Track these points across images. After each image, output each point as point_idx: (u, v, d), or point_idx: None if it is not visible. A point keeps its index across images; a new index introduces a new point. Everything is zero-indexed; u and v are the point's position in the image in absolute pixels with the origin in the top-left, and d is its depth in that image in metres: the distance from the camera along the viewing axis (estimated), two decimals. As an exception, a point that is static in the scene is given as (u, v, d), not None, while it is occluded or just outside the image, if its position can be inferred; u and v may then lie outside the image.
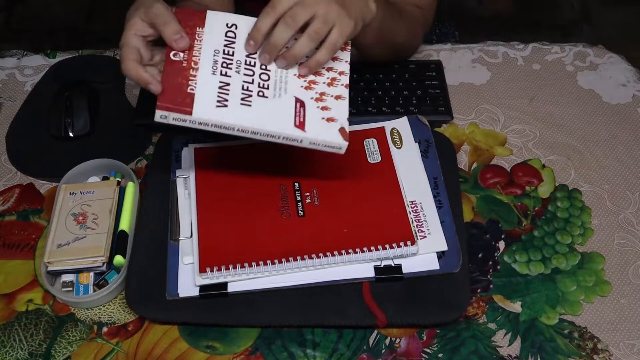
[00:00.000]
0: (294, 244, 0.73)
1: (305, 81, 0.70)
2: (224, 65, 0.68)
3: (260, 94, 0.68)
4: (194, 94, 0.66)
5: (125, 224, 0.79)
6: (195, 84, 0.66)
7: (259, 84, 0.69)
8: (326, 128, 0.68)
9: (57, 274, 0.76)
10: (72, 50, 1.04)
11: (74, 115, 0.89)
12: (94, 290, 0.75)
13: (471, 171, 0.87)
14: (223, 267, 0.71)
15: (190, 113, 0.65)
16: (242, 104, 0.67)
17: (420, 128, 0.86)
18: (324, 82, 0.71)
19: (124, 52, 0.67)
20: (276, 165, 0.80)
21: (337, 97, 0.70)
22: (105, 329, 0.74)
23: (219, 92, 0.67)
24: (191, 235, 0.76)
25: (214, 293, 0.72)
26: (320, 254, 0.72)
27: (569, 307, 0.75)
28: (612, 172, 0.87)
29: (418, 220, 0.76)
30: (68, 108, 0.90)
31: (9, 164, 0.89)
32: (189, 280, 0.73)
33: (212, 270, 0.71)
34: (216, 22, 0.71)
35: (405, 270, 0.73)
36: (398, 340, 0.72)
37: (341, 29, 0.68)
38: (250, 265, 0.71)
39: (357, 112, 0.91)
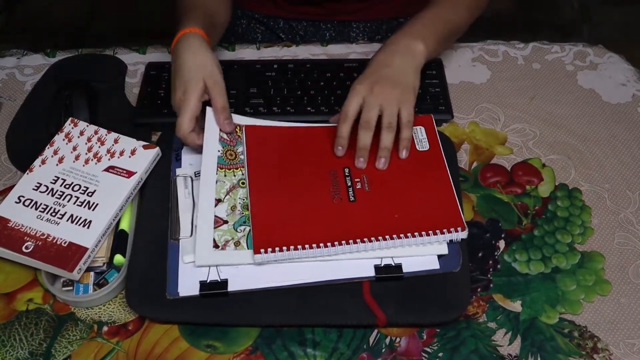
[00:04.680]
0: (347, 228, 0.74)
1: None
2: None
3: None
4: None
5: (125, 223, 0.79)
6: None
7: None
8: None
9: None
10: (72, 49, 1.04)
11: (74, 114, 0.89)
12: (94, 290, 0.75)
13: (471, 170, 0.87)
14: (277, 249, 0.71)
15: None
16: None
17: (420, 127, 0.86)
18: None
19: (184, 126, 0.78)
20: (326, 152, 0.82)
21: None
22: (105, 328, 0.74)
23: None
24: (191, 235, 0.76)
25: (214, 292, 0.72)
26: (373, 238, 0.72)
27: (569, 307, 0.75)
28: (612, 172, 0.87)
29: None
30: (68, 107, 0.90)
31: (9, 163, 0.89)
32: (189, 280, 0.73)
33: (266, 252, 0.71)
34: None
35: (405, 269, 0.73)
36: (398, 339, 0.72)
37: (406, 106, 0.79)
38: (304, 248, 0.72)
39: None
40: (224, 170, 0.80)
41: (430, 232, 0.73)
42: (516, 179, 0.86)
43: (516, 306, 0.75)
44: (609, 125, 0.92)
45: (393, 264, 0.73)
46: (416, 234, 0.73)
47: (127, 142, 0.85)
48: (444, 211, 0.75)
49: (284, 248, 0.72)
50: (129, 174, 0.81)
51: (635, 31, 2.04)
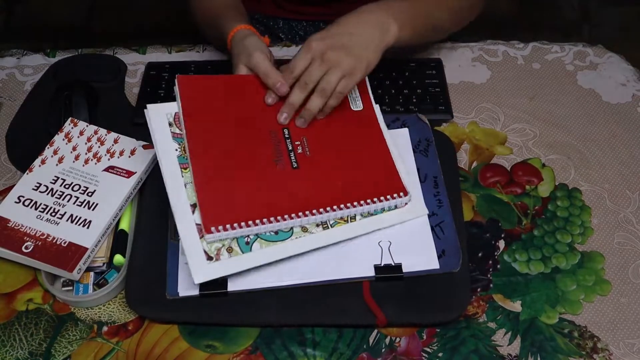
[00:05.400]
0: (295, 199, 0.73)
1: None
2: None
3: None
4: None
5: (125, 223, 0.79)
6: None
7: None
8: None
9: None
10: (72, 49, 1.04)
11: (74, 114, 0.89)
12: (94, 290, 0.75)
13: (471, 170, 0.87)
14: (229, 226, 0.69)
15: None
16: None
17: (420, 127, 0.86)
18: None
19: (262, 63, 0.78)
20: (265, 108, 0.79)
21: None
22: (105, 329, 0.74)
23: None
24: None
25: (214, 292, 0.72)
26: (321, 209, 0.72)
27: (569, 307, 0.75)
28: (612, 172, 0.87)
29: None
30: (67, 107, 0.90)
31: (9, 163, 0.89)
32: (189, 280, 0.73)
33: (217, 230, 0.69)
34: None
35: (405, 269, 0.73)
36: (398, 339, 0.72)
37: (349, 78, 0.77)
38: (255, 224, 0.70)
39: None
40: (187, 169, 0.73)
41: (375, 199, 0.74)
42: (516, 179, 0.86)
43: (516, 306, 0.75)
44: (609, 125, 0.92)
45: (393, 264, 0.73)
46: (362, 202, 0.73)
47: (127, 142, 0.85)
48: (384, 176, 0.76)
49: (236, 225, 0.69)
50: (129, 174, 0.81)
51: (635, 31, 2.04)
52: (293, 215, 0.71)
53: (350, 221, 0.74)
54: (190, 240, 0.69)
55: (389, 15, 0.80)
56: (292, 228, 0.72)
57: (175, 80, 0.77)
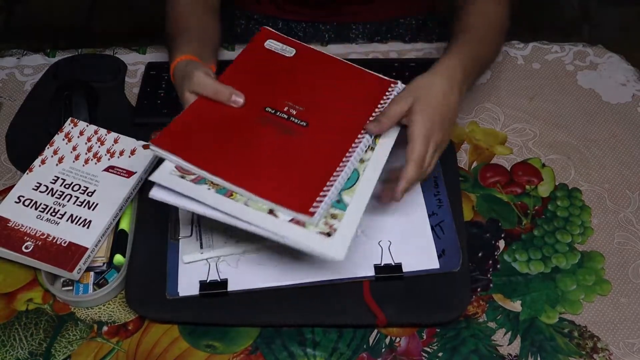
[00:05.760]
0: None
1: None
2: None
3: None
4: None
5: (125, 223, 0.79)
6: None
7: None
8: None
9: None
10: (72, 49, 1.04)
11: (74, 114, 0.89)
12: (94, 290, 0.75)
13: (471, 170, 0.87)
14: (319, 198, 0.66)
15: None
16: None
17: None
18: None
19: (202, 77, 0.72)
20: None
21: None
22: (105, 328, 0.74)
23: None
24: (191, 234, 0.76)
25: (214, 292, 0.72)
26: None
27: (569, 306, 0.75)
28: (611, 172, 0.87)
29: None
30: (67, 107, 0.90)
31: (9, 163, 0.89)
32: (189, 280, 0.73)
33: (317, 207, 0.65)
34: None
35: (405, 269, 0.73)
36: (398, 339, 0.72)
37: (440, 152, 0.75)
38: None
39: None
40: (234, 194, 0.67)
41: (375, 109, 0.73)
42: (516, 178, 0.86)
43: (516, 306, 0.75)
44: (609, 125, 0.92)
45: (393, 264, 0.73)
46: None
47: (127, 142, 0.85)
48: (369, 86, 0.76)
49: (323, 193, 0.66)
50: (129, 173, 0.81)
51: (635, 31, 2.04)
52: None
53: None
54: (305, 238, 0.64)
55: (464, 79, 0.78)
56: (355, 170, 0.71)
57: (153, 148, 0.68)
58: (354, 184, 0.70)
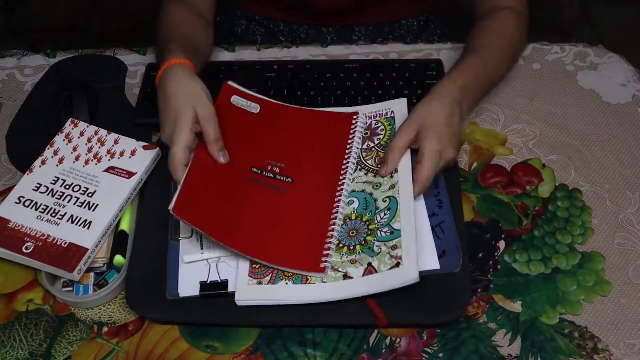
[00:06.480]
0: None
1: None
2: None
3: None
4: None
5: (125, 223, 0.79)
6: None
7: None
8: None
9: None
10: (72, 50, 1.04)
11: (74, 114, 0.89)
12: (94, 290, 0.75)
13: (471, 171, 0.87)
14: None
15: None
16: None
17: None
18: None
19: (177, 156, 0.73)
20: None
21: None
22: (105, 329, 0.74)
23: None
24: (191, 235, 0.76)
25: (214, 292, 0.72)
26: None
27: (569, 307, 0.75)
28: (612, 172, 0.87)
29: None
30: (68, 107, 0.90)
31: (9, 164, 0.89)
32: (189, 280, 0.73)
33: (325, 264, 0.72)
34: None
35: (405, 269, 0.73)
36: (398, 339, 0.72)
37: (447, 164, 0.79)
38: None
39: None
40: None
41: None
42: (516, 179, 0.86)
43: (516, 306, 0.75)
44: (609, 126, 0.92)
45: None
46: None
47: (127, 143, 0.85)
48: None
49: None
50: (129, 174, 0.81)
51: (635, 31, 2.04)
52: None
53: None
54: (384, 281, 0.70)
55: (468, 103, 0.84)
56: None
57: (175, 216, 0.72)
58: (396, 208, 0.75)
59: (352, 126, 0.83)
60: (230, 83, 0.85)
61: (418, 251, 0.71)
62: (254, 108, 0.84)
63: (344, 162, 0.80)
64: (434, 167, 0.76)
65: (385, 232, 0.74)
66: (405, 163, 0.78)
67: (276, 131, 0.83)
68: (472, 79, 0.84)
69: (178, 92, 0.76)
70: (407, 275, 0.69)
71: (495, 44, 0.90)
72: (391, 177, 0.78)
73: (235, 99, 0.84)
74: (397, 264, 0.70)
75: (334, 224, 0.75)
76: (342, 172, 0.79)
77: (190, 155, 0.75)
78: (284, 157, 0.80)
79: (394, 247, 0.72)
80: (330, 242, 0.74)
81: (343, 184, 0.78)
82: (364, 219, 0.76)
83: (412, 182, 0.76)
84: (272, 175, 0.78)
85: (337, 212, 0.76)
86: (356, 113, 0.84)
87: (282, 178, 0.78)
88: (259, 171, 0.78)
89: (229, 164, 0.77)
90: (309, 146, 0.82)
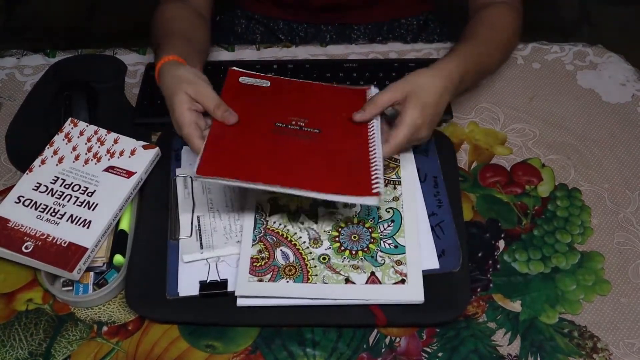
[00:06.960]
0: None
1: None
2: None
3: None
4: None
5: (125, 223, 0.79)
6: None
7: None
8: None
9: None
10: (72, 49, 1.04)
11: (74, 114, 0.89)
12: (94, 290, 0.75)
13: (471, 170, 0.87)
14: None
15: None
16: None
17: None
18: None
19: (187, 132, 0.74)
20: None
21: None
22: (105, 329, 0.74)
23: None
24: (191, 235, 0.76)
25: (214, 292, 0.72)
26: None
27: (569, 306, 0.75)
28: (611, 172, 0.87)
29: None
30: (67, 107, 0.90)
31: (9, 163, 0.89)
32: (189, 280, 0.73)
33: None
34: None
35: (405, 269, 0.73)
36: (398, 339, 0.72)
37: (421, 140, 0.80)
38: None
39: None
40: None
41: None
42: (516, 179, 0.86)
43: (516, 306, 0.75)
44: (609, 125, 0.92)
45: (393, 264, 0.74)
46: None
47: (127, 142, 0.85)
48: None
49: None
50: (129, 174, 0.81)
51: (635, 31, 2.04)
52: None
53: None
54: (388, 294, 0.71)
55: (461, 81, 0.82)
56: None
57: (201, 178, 0.70)
58: (400, 223, 0.75)
59: (367, 97, 0.82)
60: (235, 68, 0.85)
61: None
62: (265, 83, 0.84)
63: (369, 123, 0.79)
64: (409, 137, 0.76)
65: (389, 244, 0.74)
66: (409, 175, 0.79)
67: (292, 97, 0.83)
68: (472, 67, 0.84)
69: (169, 84, 0.78)
70: (412, 295, 0.71)
71: (495, 36, 0.90)
72: (395, 188, 0.79)
73: (244, 79, 0.84)
74: (403, 281, 0.71)
75: (375, 155, 0.73)
76: (369, 125, 0.77)
77: (205, 132, 0.75)
78: (305, 116, 0.79)
79: (399, 263, 0.73)
80: (376, 169, 0.71)
81: (373, 131, 0.76)
82: (366, 225, 0.76)
83: (382, 144, 0.75)
84: (298, 128, 0.77)
85: (374, 145, 0.74)
86: (369, 87, 0.83)
87: (309, 129, 0.77)
88: (283, 125, 0.77)
89: (251, 123, 0.77)
90: (327, 110, 0.81)
